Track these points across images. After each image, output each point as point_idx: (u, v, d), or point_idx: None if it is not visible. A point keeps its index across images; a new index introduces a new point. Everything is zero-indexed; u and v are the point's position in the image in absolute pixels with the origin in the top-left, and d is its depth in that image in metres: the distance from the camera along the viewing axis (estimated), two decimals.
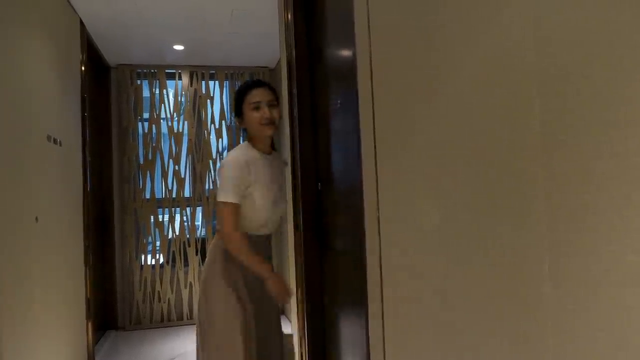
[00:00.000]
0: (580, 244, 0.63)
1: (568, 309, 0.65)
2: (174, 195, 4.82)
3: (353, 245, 1.77)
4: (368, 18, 1.35)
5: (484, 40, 0.83)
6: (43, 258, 2.58)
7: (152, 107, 4.82)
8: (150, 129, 4.81)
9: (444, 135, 0.97)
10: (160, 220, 4.81)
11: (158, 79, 4.84)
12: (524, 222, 0.73)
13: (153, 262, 4.85)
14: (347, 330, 2.01)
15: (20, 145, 2.32)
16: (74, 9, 3.38)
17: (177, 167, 4.83)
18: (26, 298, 2.32)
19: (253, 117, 2.06)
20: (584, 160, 0.61)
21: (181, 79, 4.90)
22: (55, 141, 2.84)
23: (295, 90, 2.42)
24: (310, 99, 2.41)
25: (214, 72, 4.95)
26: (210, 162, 4.90)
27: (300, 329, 2.43)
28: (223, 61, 4.80)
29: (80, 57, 3.56)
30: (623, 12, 0.55)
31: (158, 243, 4.86)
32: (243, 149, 2.09)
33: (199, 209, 4.92)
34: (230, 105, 5.00)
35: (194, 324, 2.32)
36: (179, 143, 4.85)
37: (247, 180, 1.98)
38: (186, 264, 4.83)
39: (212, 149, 4.91)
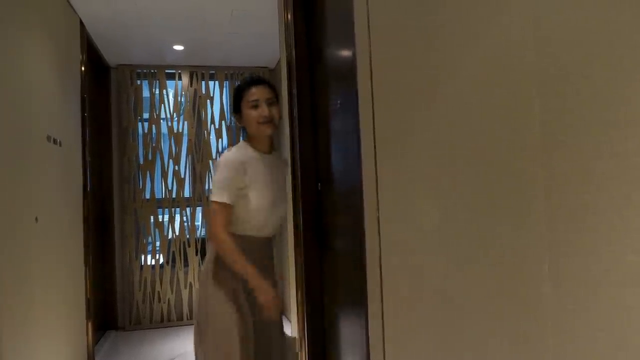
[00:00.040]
0: (580, 244, 0.63)
1: (568, 309, 0.65)
2: (173, 196, 4.82)
3: (353, 245, 1.77)
4: (368, 18, 1.35)
5: (483, 40, 0.83)
6: (43, 258, 2.58)
7: (152, 107, 4.82)
8: (150, 129, 4.81)
9: (444, 135, 0.97)
10: (160, 220, 4.81)
11: (158, 79, 4.84)
12: (524, 222, 0.73)
13: (153, 263, 4.85)
14: (347, 331, 2.01)
15: (20, 145, 2.32)
16: (73, 9, 3.38)
17: (177, 167, 4.83)
18: (26, 298, 2.32)
19: (251, 115, 2.00)
20: (584, 160, 0.61)
21: (181, 79, 4.90)
22: (55, 141, 2.84)
23: (295, 91, 2.42)
24: (310, 99, 2.41)
25: (213, 72, 4.95)
26: (210, 162, 4.90)
27: (300, 329, 2.43)
28: (223, 61, 4.80)
29: (80, 57, 3.56)
30: (623, 12, 0.55)
31: (158, 243, 4.86)
32: (240, 149, 2.03)
33: (198, 209, 4.92)
34: (230, 105, 5.00)
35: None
36: (178, 143, 4.85)
37: (242, 180, 1.93)
38: (186, 264, 4.83)
39: (212, 149, 4.91)
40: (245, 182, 1.93)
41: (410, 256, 1.15)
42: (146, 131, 4.81)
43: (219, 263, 1.96)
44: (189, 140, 4.88)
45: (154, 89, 4.83)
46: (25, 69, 2.46)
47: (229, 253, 1.88)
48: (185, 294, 4.80)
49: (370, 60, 1.33)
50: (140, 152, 4.79)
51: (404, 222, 1.18)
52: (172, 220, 4.83)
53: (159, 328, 4.69)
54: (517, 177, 0.75)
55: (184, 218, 4.85)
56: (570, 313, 0.65)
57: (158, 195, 4.82)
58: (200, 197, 4.87)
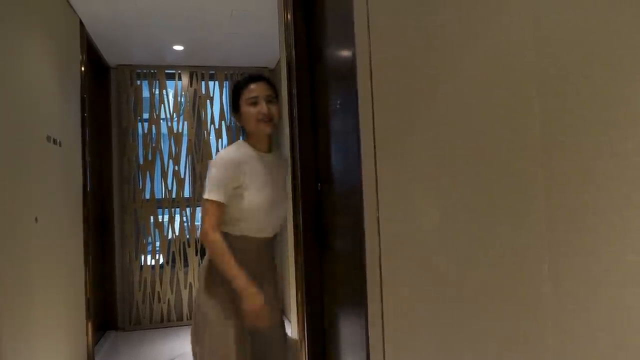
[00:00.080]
0: (580, 244, 0.63)
1: (568, 309, 0.65)
2: (173, 196, 4.82)
3: (353, 245, 1.77)
4: (368, 18, 1.35)
5: (483, 40, 0.83)
6: (43, 258, 2.58)
7: (152, 107, 4.82)
8: (150, 129, 4.81)
9: (444, 135, 0.97)
10: (160, 220, 4.81)
11: (158, 80, 4.84)
12: (524, 222, 0.73)
13: (153, 263, 4.85)
14: (347, 331, 2.01)
15: (20, 145, 2.32)
16: (73, 10, 3.38)
17: (176, 168, 4.83)
18: (26, 298, 2.31)
19: (250, 112, 1.94)
20: (584, 160, 0.61)
21: (181, 80, 4.90)
22: (55, 141, 2.84)
23: (295, 91, 2.42)
24: (310, 99, 2.41)
25: (213, 72, 4.95)
26: (210, 162, 4.90)
27: (300, 330, 2.43)
28: (223, 61, 4.81)
29: (80, 57, 3.56)
30: (623, 12, 0.55)
31: (158, 243, 4.86)
32: (237, 147, 1.98)
33: (198, 210, 4.91)
34: (230, 105, 5.00)
35: None
36: (178, 143, 4.85)
37: (237, 179, 1.87)
38: (186, 264, 4.83)
39: (212, 149, 4.91)
40: (242, 181, 1.88)
41: (410, 256, 1.15)
42: (146, 131, 4.81)
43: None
44: (189, 141, 4.88)
45: (153, 89, 4.83)
46: (25, 69, 2.46)
47: (218, 253, 1.82)
48: (185, 294, 4.80)
49: (370, 60, 1.33)
50: (140, 152, 4.79)
51: (404, 222, 1.18)
52: (172, 220, 4.83)
53: (158, 328, 4.69)
54: (517, 177, 0.75)
55: (184, 218, 4.85)
56: (570, 313, 0.65)
57: (158, 196, 4.82)
58: (200, 198, 4.87)
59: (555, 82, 0.66)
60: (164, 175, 4.82)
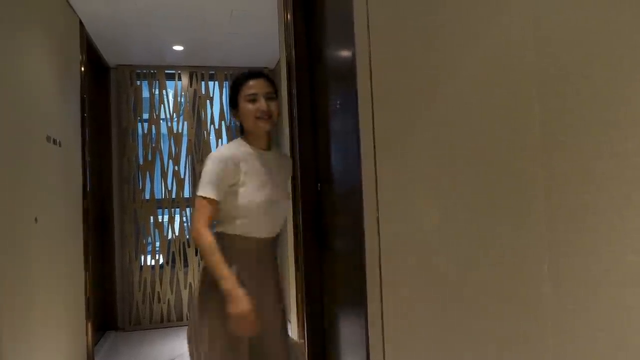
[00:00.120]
0: (580, 244, 0.63)
1: (568, 309, 0.65)
2: (173, 196, 4.82)
3: (353, 245, 1.77)
4: (367, 18, 1.35)
5: (483, 40, 0.83)
6: (43, 258, 2.58)
7: (152, 107, 4.82)
8: (149, 129, 4.81)
9: (444, 135, 0.97)
10: (160, 220, 4.81)
11: (158, 80, 4.84)
12: (524, 222, 0.73)
13: (153, 263, 4.85)
14: (347, 331, 2.01)
15: (20, 146, 2.32)
16: (73, 10, 3.38)
17: (176, 168, 4.83)
18: (26, 298, 2.31)
19: (248, 109, 1.89)
20: (584, 160, 0.61)
21: (181, 80, 4.90)
22: (54, 142, 2.84)
23: (294, 91, 2.42)
24: (309, 99, 2.41)
25: (213, 72, 4.95)
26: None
27: (300, 330, 2.43)
28: (223, 61, 4.80)
29: (80, 57, 3.56)
30: (623, 12, 0.55)
31: (158, 244, 4.86)
32: (234, 144, 1.94)
33: None
34: (228, 101, 4.99)
35: None
36: (178, 143, 4.85)
37: (233, 176, 1.83)
38: (186, 264, 4.83)
39: (212, 149, 4.91)
40: (238, 178, 1.84)
41: (410, 256, 1.15)
42: (146, 131, 4.81)
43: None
44: (189, 141, 4.88)
45: (153, 90, 4.83)
46: (25, 69, 2.46)
47: (206, 252, 1.75)
48: (185, 294, 4.80)
49: (370, 60, 1.33)
50: (140, 153, 4.79)
51: (403, 222, 1.18)
52: (171, 220, 4.83)
53: (158, 328, 4.69)
54: (517, 177, 0.75)
55: (184, 218, 4.85)
56: (570, 313, 0.65)
57: (158, 196, 4.82)
58: None
59: (555, 82, 0.66)
60: (164, 175, 4.82)
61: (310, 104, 2.41)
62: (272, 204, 1.91)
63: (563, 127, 0.65)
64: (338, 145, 2.04)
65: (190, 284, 4.80)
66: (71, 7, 3.33)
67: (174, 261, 4.81)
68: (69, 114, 3.26)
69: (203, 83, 4.94)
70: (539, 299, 0.71)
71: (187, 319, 4.68)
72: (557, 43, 0.66)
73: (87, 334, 3.47)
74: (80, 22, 3.56)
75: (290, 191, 2.28)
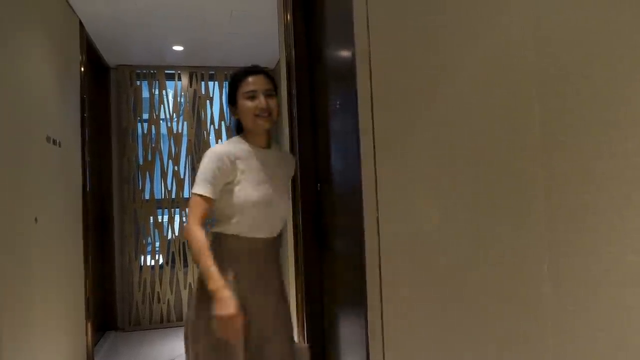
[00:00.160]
0: (580, 244, 0.63)
1: (568, 309, 0.65)
2: (173, 196, 4.82)
3: (352, 245, 1.77)
4: (367, 18, 1.35)
5: (483, 40, 0.83)
6: (42, 259, 2.58)
7: (152, 107, 4.82)
8: (149, 129, 4.81)
9: (444, 135, 0.97)
10: (160, 220, 4.81)
11: (157, 80, 4.84)
12: (524, 222, 0.73)
13: (152, 263, 4.85)
14: (347, 331, 2.01)
15: (20, 146, 2.32)
16: (73, 10, 3.38)
17: (176, 168, 4.83)
18: (26, 299, 2.31)
19: (247, 107, 1.84)
20: (584, 160, 0.61)
21: (181, 80, 4.90)
22: (54, 142, 2.84)
23: (294, 91, 2.42)
24: (309, 99, 2.41)
25: (213, 72, 4.95)
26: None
27: (300, 330, 2.42)
28: (222, 62, 4.81)
29: (80, 57, 3.56)
30: (623, 12, 0.55)
31: (157, 244, 4.86)
32: (232, 142, 1.89)
33: None
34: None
35: None
36: (178, 144, 4.85)
37: (229, 174, 1.78)
38: (185, 264, 4.83)
39: None
40: (234, 176, 1.79)
41: (410, 256, 1.15)
42: (146, 132, 4.81)
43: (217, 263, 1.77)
44: (189, 141, 4.89)
45: (153, 90, 4.83)
46: (25, 69, 2.46)
47: (195, 249, 1.69)
48: (184, 294, 4.80)
49: (370, 61, 1.33)
50: (139, 153, 4.79)
51: (403, 222, 1.18)
52: (171, 220, 4.83)
53: (158, 329, 4.69)
54: (517, 177, 0.75)
55: (184, 219, 4.85)
56: (570, 313, 0.65)
57: (157, 196, 4.82)
58: None
59: (555, 82, 0.66)
60: (164, 175, 4.82)
61: (310, 104, 2.41)
62: (270, 203, 1.85)
63: (563, 127, 0.65)
64: (338, 145, 2.04)
65: (190, 284, 4.80)
66: (71, 7, 3.33)
67: (173, 261, 4.81)
68: (69, 114, 3.26)
69: (203, 83, 4.94)
70: (539, 299, 0.71)
71: (185, 319, 4.69)
72: (557, 43, 0.66)
73: (86, 334, 3.47)
74: (80, 22, 3.56)
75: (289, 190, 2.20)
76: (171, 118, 4.86)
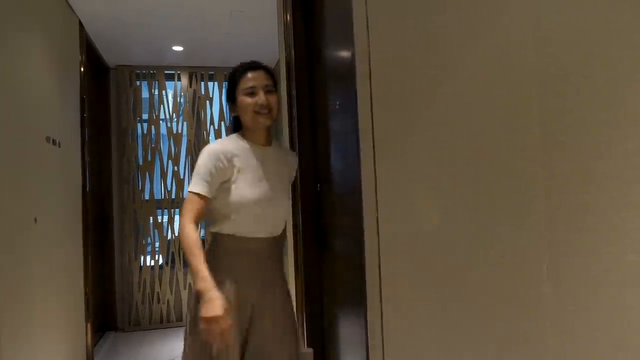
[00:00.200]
0: (580, 244, 0.63)
1: (568, 309, 0.65)
2: (173, 196, 4.82)
3: (352, 245, 1.77)
4: (367, 18, 1.35)
5: (483, 40, 0.83)
6: (42, 259, 2.57)
7: (152, 108, 4.82)
8: (149, 129, 4.81)
9: (444, 135, 0.97)
10: (160, 221, 4.81)
11: (157, 80, 4.84)
12: (524, 222, 0.73)
13: (152, 263, 4.85)
14: (347, 331, 2.00)
15: (20, 146, 2.32)
16: (72, 10, 3.38)
17: (176, 168, 4.83)
18: (25, 299, 2.31)
19: (247, 103, 1.80)
20: (584, 160, 0.61)
21: (180, 80, 4.90)
22: (54, 142, 2.84)
23: (294, 91, 2.42)
24: (309, 100, 2.41)
25: (213, 73, 4.95)
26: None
27: (300, 330, 2.42)
28: (222, 62, 4.81)
29: (80, 58, 3.56)
30: (623, 12, 0.55)
31: (157, 244, 4.86)
32: (229, 139, 1.85)
33: None
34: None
35: None
36: (178, 144, 4.85)
37: (226, 172, 1.74)
38: (185, 265, 4.83)
39: None
40: (230, 174, 1.75)
41: (410, 256, 1.15)
42: (145, 132, 4.81)
43: (208, 265, 1.70)
44: (188, 141, 4.89)
45: (153, 90, 4.83)
46: (24, 69, 2.46)
47: (186, 247, 1.63)
48: (184, 294, 4.80)
49: (369, 61, 1.33)
50: (139, 153, 4.79)
51: (403, 222, 1.18)
52: (171, 221, 4.83)
53: (158, 329, 4.69)
54: (517, 177, 0.75)
55: None
56: (570, 313, 0.65)
57: (157, 196, 4.82)
58: None
59: (555, 82, 0.66)
60: (164, 175, 4.82)
61: (310, 104, 2.41)
62: (268, 202, 1.80)
63: (563, 127, 0.65)
64: (337, 146, 2.03)
65: (189, 284, 4.80)
66: (70, 7, 3.33)
67: (173, 261, 4.81)
68: (69, 114, 3.25)
69: (202, 83, 4.94)
70: (539, 299, 0.71)
71: (183, 320, 4.69)
72: (557, 43, 0.66)
73: (86, 335, 3.47)
74: (80, 23, 3.56)
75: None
76: (171, 118, 4.86)
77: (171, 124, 4.86)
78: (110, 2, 3.31)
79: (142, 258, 4.75)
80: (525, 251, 0.73)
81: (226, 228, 1.78)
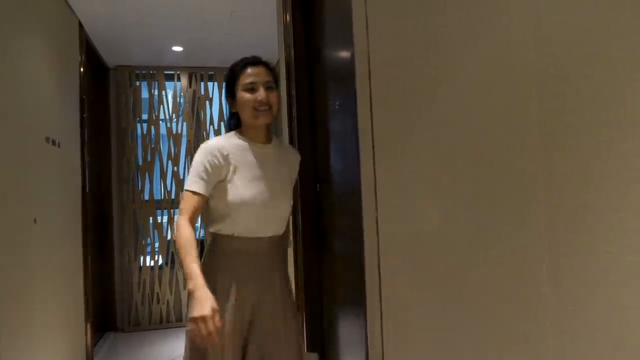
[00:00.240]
0: (579, 244, 0.63)
1: (568, 309, 0.65)
2: (172, 197, 4.82)
3: (352, 245, 1.77)
4: (366, 18, 1.35)
5: (483, 41, 0.83)
6: (42, 259, 2.57)
7: (151, 108, 4.82)
8: (149, 130, 4.81)
9: (444, 135, 0.97)
10: (159, 221, 4.81)
11: (157, 80, 4.84)
12: (524, 222, 0.73)
13: (152, 264, 4.85)
14: (346, 331, 2.00)
15: (19, 147, 2.31)
16: (72, 10, 3.38)
17: (176, 169, 4.83)
18: (25, 299, 2.31)
19: (246, 98, 1.75)
20: (584, 160, 0.61)
21: (180, 80, 4.90)
22: (54, 143, 2.84)
23: (293, 91, 2.42)
24: (308, 100, 2.41)
25: (212, 73, 4.95)
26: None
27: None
28: (222, 62, 4.80)
29: (79, 58, 3.56)
30: (623, 12, 0.55)
31: (157, 244, 4.86)
32: (226, 137, 1.81)
33: None
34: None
35: None
36: (177, 144, 4.85)
37: (222, 170, 1.70)
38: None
39: None
40: (226, 172, 1.71)
41: (410, 256, 1.15)
42: (145, 132, 4.81)
43: (207, 266, 1.72)
44: (188, 142, 4.89)
45: (153, 90, 4.83)
46: (24, 70, 2.46)
47: (179, 246, 1.60)
48: (184, 295, 4.79)
49: (369, 61, 1.33)
50: (139, 153, 4.79)
51: (403, 222, 1.18)
52: (171, 221, 4.83)
53: (158, 329, 4.69)
54: (517, 177, 0.75)
55: None
56: (570, 313, 0.65)
57: (157, 196, 4.82)
58: None
59: (555, 82, 0.66)
60: (163, 176, 4.82)
61: (309, 104, 2.41)
62: (267, 201, 1.76)
63: (563, 127, 0.65)
64: (337, 146, 2.03)
65: None
66: (70, 7, 3.33)
67: (173, 262, 4.81)
68: (68, 114, 3.25)
69: (202, 84, 4.94)
70: (539, 299, 0.71)
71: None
72: (557, 43, 0.66)
73: (86, 335, 3.47)
74: (80, 23, 3.56)
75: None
76: (170, 119, 4.86)
77: (171, 125, 4.86)
78: (110, 3, 3.31)
79: (141, 258, 4.75)
80: (525, 251, 0.73)
81: (225, 228, 1.75)
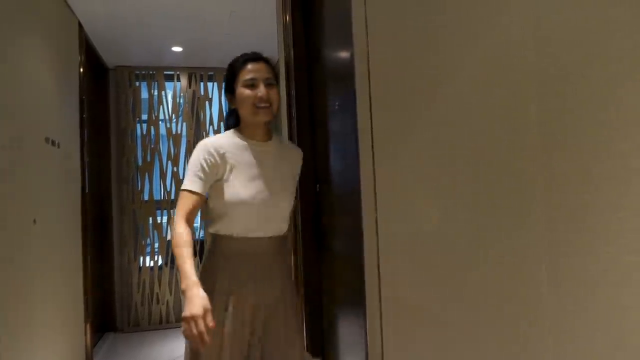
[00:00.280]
0: (579, 244, 0.63)
1: (567, 309, 0.65)
2: (172, 197, 4.82)
3: (351, 245, 1.77)
4: (366, 18, 1.35)
5: (483, 41, 0.83)
6: (41, 260, 2.57)
7: (151, 108, 4.82)
8: (148, 130, 4.81)
9: (444, 135, 0.97)
10: (159, 221, 4.81)
11: (157, 81, 4.84)
12: (524, 222, 0.73)
13: (152, 264, 4.84)
14: (346, 331, 2.00)
15: (19, 147, 2.31)
16: (72, 11, 3.38)
17: (175, 169, 4.83)
18: (25, 300, 2.31)
19: (246, 95, 1.72)
20: (583, 160, 0.61)
21: (180, 81, 4.90)
22: (53, 143, 2.84)
23: (293, 91, 2.42)
24: (308, 100, 2.41)
25: (212, 73, 4.95)
26: None
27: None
28: (222, 62, 4.77)
29: (79, 58, 3.56)
30: (623, 12, 0.55)
31: (157, 245, 4.85)
32: (224, 135, 1.78)
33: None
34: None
35: None
36: (177, 144, 4.85)
37: (218, 169, 1.68)
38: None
39: None
40: (223, 171, 1.69)
41: (409, 256, 1.15)
42: (145, 132, 4.81)
43: (207, 267, 1.73)
44: (188, 142, 4.88)
45: (152, 91, 4.83)
46: (24, 70, 2.46)
47: (173, 245, 1.59)
48: None
49: (368, 61, 1.33)
50: (138, 154, 4.79)
51: (402, 223, 1.18)
52: (170, 221, 4.83)
53: (157, 330, 4.68)
54: (517, 177, 0.75)
55: None
56: (570, 313, 0.65)
57: (157, 197, 4.82)
58: None
59: (555, 82, 0.66)
60: (163, 176, 4.82)
61: (309, 104, 2.41)
62: (265, 200, 1.73)
63: (563, 127, 0.65)
64: (337, 146, 2.03)
65: None
66: (70, 7, 3.33)
67: (172, 262, 4.80)
68: (68, 115, 3.25)
69: (202, 84, 4.94)
70: (539, 299, 0.71)
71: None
72: (557, 43, 0.66)
73: (85, 335, 3.47)
74: (79, 23, 3.55)
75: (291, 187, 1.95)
76: (170, 119, 4.86)
77: (170, 125, 4.85)
78: (110, 3, 3.31)
79: (141, 259, 4.74)
80: (525, 251, 0.73)
81: (224, 228, 1.73)
